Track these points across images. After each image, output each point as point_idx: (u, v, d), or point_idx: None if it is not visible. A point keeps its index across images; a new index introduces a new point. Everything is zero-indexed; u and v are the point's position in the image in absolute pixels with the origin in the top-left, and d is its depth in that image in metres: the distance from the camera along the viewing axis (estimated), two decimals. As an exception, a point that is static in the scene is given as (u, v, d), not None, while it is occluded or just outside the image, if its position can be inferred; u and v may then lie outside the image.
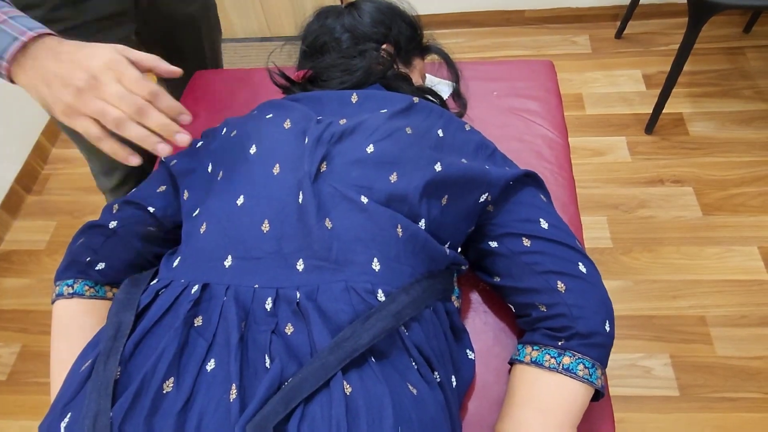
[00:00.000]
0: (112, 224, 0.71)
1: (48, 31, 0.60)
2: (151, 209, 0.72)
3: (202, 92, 1.10)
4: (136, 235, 0.72)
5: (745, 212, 1.52)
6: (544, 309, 0.64)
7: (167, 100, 0.59)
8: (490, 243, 0.69)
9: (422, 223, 0.64)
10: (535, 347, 0.63)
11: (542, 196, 0.72)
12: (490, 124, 0.95)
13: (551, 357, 0.61)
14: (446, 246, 0.67)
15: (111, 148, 0.59)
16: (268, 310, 0.57)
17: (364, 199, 0.60)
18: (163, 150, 0.59)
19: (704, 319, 1.35)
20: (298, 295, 0.57)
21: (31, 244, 1.71)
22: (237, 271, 0.59)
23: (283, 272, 0.58)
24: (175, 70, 0.61)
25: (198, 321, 0.57)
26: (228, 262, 0.60)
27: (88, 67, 0.56)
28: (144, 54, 0.60)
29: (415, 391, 0.53)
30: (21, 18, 0.60)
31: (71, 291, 0.68)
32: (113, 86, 0.56)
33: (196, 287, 0.59)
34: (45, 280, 1.63)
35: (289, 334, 0.55)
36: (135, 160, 0.60)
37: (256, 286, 0.58)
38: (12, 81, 0.61)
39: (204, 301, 0.58)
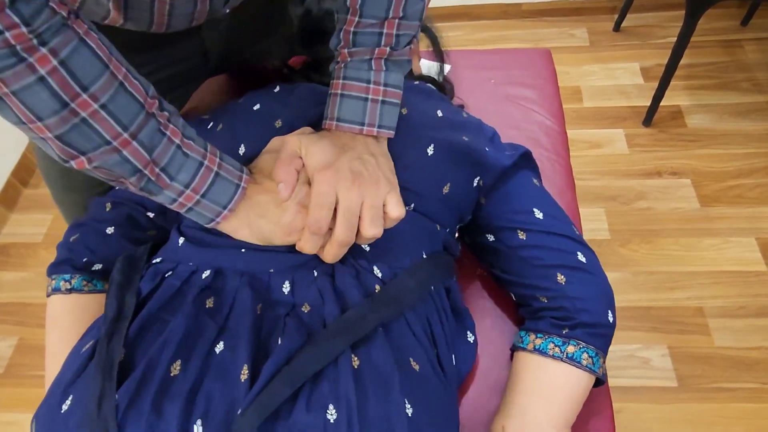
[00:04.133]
0: (110, 230, 0.68)
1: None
2: (149, 214, 0.69)
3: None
4: (133, 239, 0.69)
5: (743, 204, 1.52)
6: (545, 300, 0.64)
7: None
8: (487, 236, 0.69)
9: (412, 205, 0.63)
10: (538, 335, 0.63)
11: (535, 180, 0.71)
12: (486, 112, 0.94)
13: (555, 346, 0.61)
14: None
15: (314, 245, 0.56)
16: (286, 293, 0.56)
17: None
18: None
19: (702, 310, 1.34)
20: (315, 273, 0.57)
21: (27, 237, 1.71)
22: (252, 258, 0.58)
23: (297, 256, 0.58)
24: None
25: (209, 303, 0.55)
26: (243, 249, 0.59)
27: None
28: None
29: (417, 367, 0.53)
30: (226, 158, 0.58)
31: (69, 287, 0.66)
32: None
33: (207, 272, 0.57)
34: (42, 273, 1.60)
35: (306, 312, 0.55)
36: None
37: (272, 270, 0.58)
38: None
39: (216, 286, 0.57)
